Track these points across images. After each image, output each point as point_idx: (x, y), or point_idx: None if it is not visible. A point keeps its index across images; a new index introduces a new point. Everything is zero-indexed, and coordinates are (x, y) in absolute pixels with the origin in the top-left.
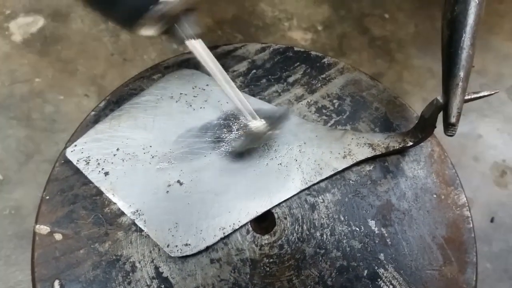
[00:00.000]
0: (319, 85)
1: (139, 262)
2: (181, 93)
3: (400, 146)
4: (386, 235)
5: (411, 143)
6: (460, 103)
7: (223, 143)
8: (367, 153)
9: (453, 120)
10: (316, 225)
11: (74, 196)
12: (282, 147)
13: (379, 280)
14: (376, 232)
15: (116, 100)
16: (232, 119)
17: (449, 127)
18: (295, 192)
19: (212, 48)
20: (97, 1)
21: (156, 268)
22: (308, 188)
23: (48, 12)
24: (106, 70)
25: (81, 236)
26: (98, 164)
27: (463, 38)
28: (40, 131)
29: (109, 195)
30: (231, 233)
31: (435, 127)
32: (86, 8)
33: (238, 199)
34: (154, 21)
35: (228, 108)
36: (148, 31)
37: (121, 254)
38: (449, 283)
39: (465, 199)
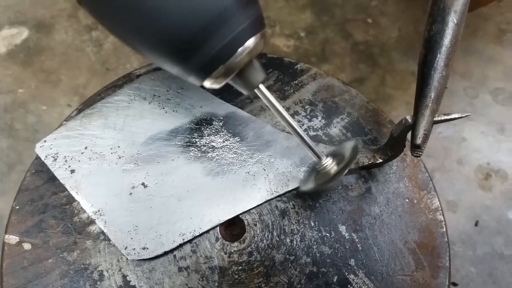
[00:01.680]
0: (292, 91)
1: (107, 271)
2: (154, 95)
3: (370, 162)
4: (357, 240)
5: (380, 160)
6: (428, 124)
7: (193, 148)
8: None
9: (418, 141)
10: (286, 231)
11: (44, 205)
12: (252, 155)
13: (349, 286)
14: (347, 237)
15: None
16: (204, 124)
17: (414, 149)
18: (260, 202)
19: None
20: (171, 50)
21: (124, 276)
22: (272, 199)
23: (33, 23)
24: (88, 80)
25: (50, 246)
26: (66, 161)
27: (437, 59)
28: (23, 141)
29: (72, 193)
30: (199, 241)
31: (405, 146)
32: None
33: (202, 205)
34: (227, 73)
35: (201, 113)
36: (216, 84)
37: (89, 263)
38: None
39: (438, 203)
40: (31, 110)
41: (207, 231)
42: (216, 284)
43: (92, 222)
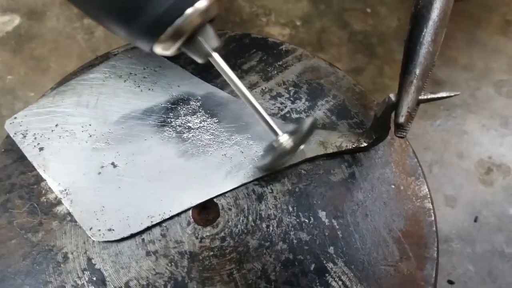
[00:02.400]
0: (275, 72)
1: (72, 253)
2: (130, 73)
3: (354, 146)
4: (337, 227)
5: (365, 144)
6: (412, 102)
7: (167, 128)
8: (317, 151)
9: (401, 120)
10: (263, 216)
11: (11, 185)
12: (230, 137)
13: (327, 275)
14: (327, 223)
15: None
16: (181, 103)
17: (398, 128)
18: (235, 186)
19: None
20: (115, 11)
21: (89, 259)
22: (249, 183)
23: (25, 11)
24: (77, 67)
25: (14, 226)
26: (35, 138)
27: (423, 33)
28: None
29: (40, 171)
30: (169, 225)
31: (389, 127)
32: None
33: (173, 187)
34: (176, 36)
35: (179, 92)
36: (167, 50)
37: (54, 244)
38: (405, 280)
39: (426, 190)
40: (19, 97)
41: (178, 214)
42: (185, 269)
43: (59, 202)
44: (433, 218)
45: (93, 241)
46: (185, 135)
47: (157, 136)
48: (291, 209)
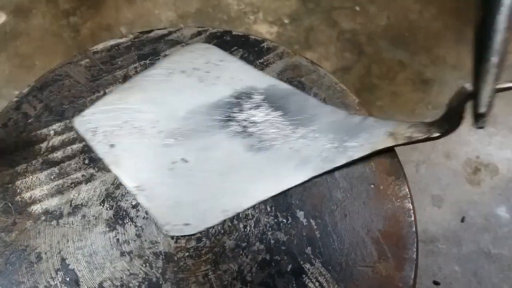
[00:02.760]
0: (256, 69)
1: (46, 253)
2: (193, 68)
3: (424, 136)
4: (315, 227)
5: (436, 135)
6: (492, 91)
7: (233, 123)
8: (387, 142)
9: (483, 110)
10: (240, 216)
11: None
12: (295, 130)
13: (304, 276)
14: (305, 223)
15: (40, 86)
16: (244, 97)
17: (478, 118)
18: (305, 179)
19: (145, 32)
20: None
21: (63, 259)
22: (320, 176)
23: (11, 8)
24: None
25: None
26: (105, 135)
27: (497, 20)
28: None
29: (112, 168)
30: (145, 225)
31: (463, 118)
32: None
33: (244, 182)
34: None
35: (241, 86)
36: None
37: (27, 244)
38: (383, 280)
39: (407, 190)
40: (3, 95)
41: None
42: (160, 270)
43: (34, 202)
44: (412, 218)
45: (67, 240)
46: (250, 129)
47: (224, 131)
48: (269, 209)
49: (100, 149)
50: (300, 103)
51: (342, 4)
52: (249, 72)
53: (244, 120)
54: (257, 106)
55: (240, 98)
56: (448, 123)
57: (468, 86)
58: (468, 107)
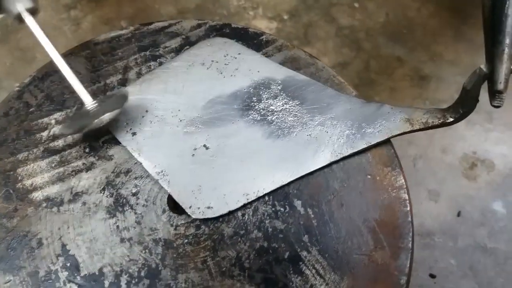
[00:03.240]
0: None
1: (46, 239)
2: (212, 60)
3: (440, 122)
4: (312, 216)
5: (451, 119)
6: (508, 69)
7: (252, 111)
8: (404, 128)
9: (500, 87)
10: None
11: None
12: (313, 118)
13: (300, 263)
14: (302, 212)
15: (42, 76)
16: (262, 88)
17: (495, 96)
18: (324, 164)
19: (145, 24)
20: None
21: (64, 245)
22: (338, 161)
23: None
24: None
25: None
26: (127, 124)
27: (507, 5)
28: None
29: (135, 155)
30: (145, 212)
31: (478, 100)
32: None
33: (264, 167)
34: None
35: (259, 77)
36: None
37: (28, 230)
38: (379, 268)
39: (403, 180)
40: (4, 87)
41: (154, 202)
42: (159, 256)
43: (35, 189)
44: (408, 208)
45: (68, 227)
46: (269, 117)
47: (243, 119)
48: (267, 198)
49: (123, 137)
50: (317, 93)
51: (340, 0)
52: (266, 64)
53: (263, 109)
54: (275, 96)
55: (259, 89)
56: (462, 106)
57: (483, 67)
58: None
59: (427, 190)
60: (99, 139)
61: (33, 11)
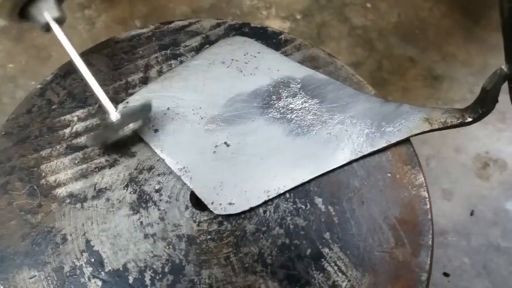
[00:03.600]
0: None
1: (71, 235)
2: (232, 59)
3: (459, 121)
4: (333, 213)
5: (470, 119)
6: None
7: (272, 109)
8: (423, 127)
9: None
10: None
11: (11, 167)
12: (332, 116)
13: (322, 260)
14: (323, 210)
15: (64, 74)
16: (282, 86)
17: None
18: (344, 162)
19: (165, 23)
20: None
21: (88, 241)
22: (358, 160)
23: None
24: None
25: (14, 207)
26: (149, 121)
27: None
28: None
29: (157, 151)
30: (168, 208)
31: (497, 101)
32: None
33: (284, 164)
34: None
35: (279, 76)
36: (5, 12)
37: (53, 226)
38: (400, 266)
39: (422, 179)
40: (20, 85)
41: (177, 199)
42: (183, 252)
43: (59, 185)
44: (428, 206)
45: (92, 223)
46: (288, 115)
47: (263, 117)
48: (287, 195)
49: (145, 133)
50: (336, 92)
51: (353, 1)
52: (286, 63)
53: (282, 107)
54: (295, 94)
55: (278, 87)
56: (482, 107)
57: (504, 67)
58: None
59: (441, 189)
60: (124, 147)
61: (60, 21)
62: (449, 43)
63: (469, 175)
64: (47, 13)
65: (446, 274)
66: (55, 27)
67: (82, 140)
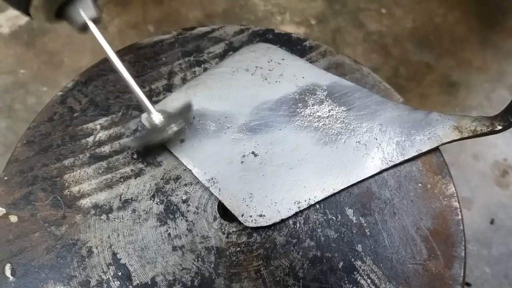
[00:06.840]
0: None
1: (96, 247)
2: (256, 66)
3: (488, 130)
4: (365, 225)
5: (500, 127)
6: None
7: (298, 118)
8: (453, 135)
9: None
10: None
11: (34, 177)
12: (361, 124)
13: (355, 273)
14: (354, 221)
15: (85, 81)
16: (308, 94)
17: None
18: (374, 172)
19: (188, 29)
20: None
21: (114, 254)
22: (388, 169)
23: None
24: (91, 63)
25: (37, 219)
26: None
27: None
28: (22, 122)
29: (184, 162)
30: (196, 220)
31: None
32: None
33: (314, 174)
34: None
35: (304, 83)
36: (46, 14)
37: (77, 238)
38: (433, 278)
39: (453, 189)
40: (32, 91)
41: (205, 210)
42: (212, 265)
43: (83, 196)
44: (460, 217)
45: (118, 235)
46: (316, 124)
47: (290, 125)
48: (318, 206)
49: (171, 143)
50: (363, 99)
51: (368, 6)
52: (311, 70)
53: (309, 115)
54: (321, 102)
55: (304, 95)
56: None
57: None
58: None
59: (460, 197)
60: (149, 156)
61: (96, 21)
62: (464, 49)
63: (488, 183)
64: (84, 13)
65: (468, 284)
66: (92, 27)
67: (106, 149)
